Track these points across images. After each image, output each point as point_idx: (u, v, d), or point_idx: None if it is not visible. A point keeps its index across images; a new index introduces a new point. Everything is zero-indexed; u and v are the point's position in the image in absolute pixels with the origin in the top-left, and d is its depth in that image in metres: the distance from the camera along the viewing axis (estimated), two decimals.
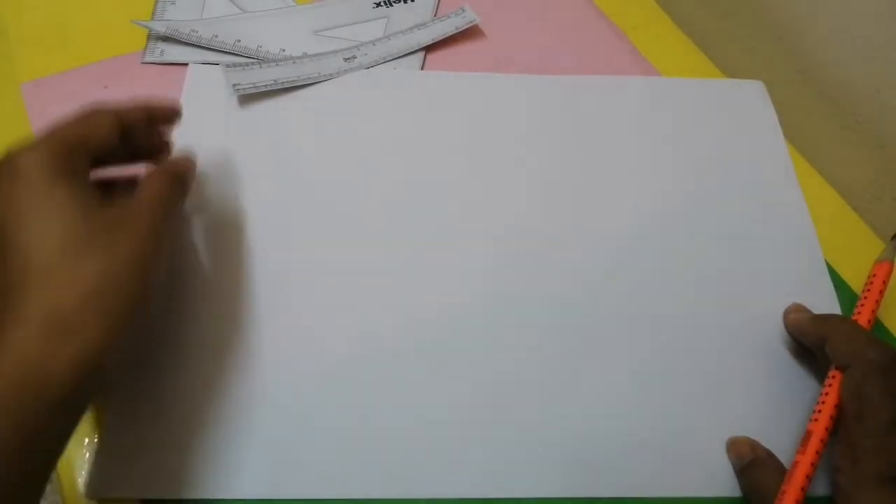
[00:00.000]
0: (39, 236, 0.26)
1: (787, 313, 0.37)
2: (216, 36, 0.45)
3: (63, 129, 0.29)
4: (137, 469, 0.31)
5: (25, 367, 0.24)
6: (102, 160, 0.31)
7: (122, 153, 0.32)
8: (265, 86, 0.42)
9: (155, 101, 0.33)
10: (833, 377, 0.32)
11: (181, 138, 0.39)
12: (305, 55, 0.45)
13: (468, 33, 0.48)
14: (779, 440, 0.33)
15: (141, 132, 0.32)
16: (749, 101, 0.46)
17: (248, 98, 0.43)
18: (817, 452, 0.30)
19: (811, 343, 0.35)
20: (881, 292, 0.36)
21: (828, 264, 0.40)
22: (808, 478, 0.30)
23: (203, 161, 0.37)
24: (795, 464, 0.30)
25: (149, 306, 0.29)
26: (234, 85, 0.41)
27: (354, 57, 0.45)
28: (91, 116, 0.30)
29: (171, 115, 0.35)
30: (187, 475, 0.31)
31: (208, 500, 0.31)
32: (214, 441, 0.32)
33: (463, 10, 0.48)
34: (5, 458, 0.23)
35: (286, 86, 0.43)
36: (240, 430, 0.33)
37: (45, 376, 0.24)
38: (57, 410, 0.25)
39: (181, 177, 0.33)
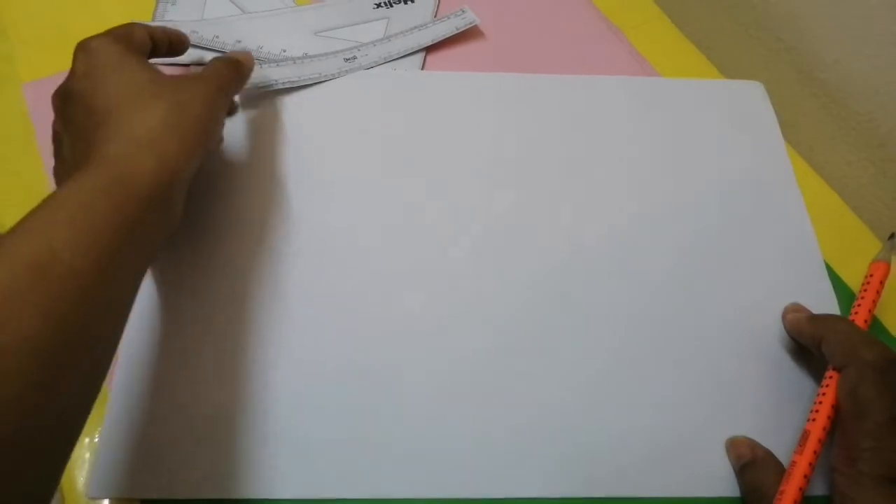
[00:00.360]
0: (119, 85, 0.31)
1: (785, 313, 0.37)
2: (217, 36, 0.45)
3: (108, 30, 0.34)
4: (137, 469, 0.31)
5: (119, 170, 0.28)
6: None
7: None
8: (266, 87, 0.42)
9: (173, 30, 0.39)
10: (830, 377, 0.32)
11: None
12: (306, 56, 0.45)
13: (468, 34, 0.48)
14: (778, 440, 0.33)
15: (162, 52, 0.38)
16: (749, 101, 0.46)
17: (248, 99, 0.43)
18: (815, 452, 0.30)
19: (808, 343, 0.35)
20: (878, 292, 0.36)
21: (827, 264, 0.40)
22: (807, 478, 0.30)
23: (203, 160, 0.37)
24: (793, 464, 0.30)
25: (211, 144, 0.34)
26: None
27: (355, 57, 0.45)
28: (128, 24, 0.36)
29: (184, 43, 0.40)
30: (187, 475, 0.32)
31: (209, 500, 0.31)
32: (215, 441, 0.32)
33: (463, 11, 0.48)
34: (105, 241, 0.26)
35: (287, 86, 0.43)
36: (240, 430, 0.33)
37: (133, 176, 0.28)
38: (143, 205, 0.28)
39: (240, 63, 0.38)
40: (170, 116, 0.31)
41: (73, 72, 0.33)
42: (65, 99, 0.32)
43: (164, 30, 0.38)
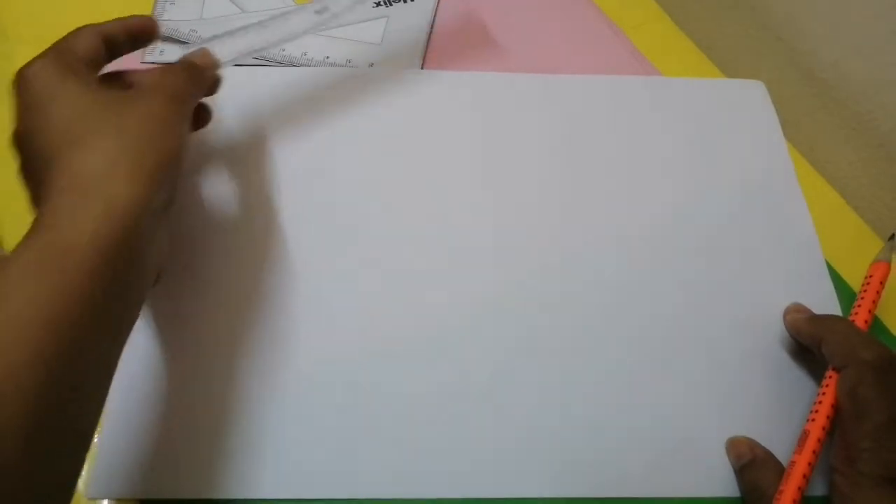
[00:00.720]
0: (60, 119, 0.28)
1: (786, 313, 0.37)
2: (216, 36, 0.45)
3: (52, 45, 0.31)
4: (136, 469, 0.31)
5: (55, 235, 0.25)
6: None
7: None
8: (241, 56, 0.38)
9: (133, 18, 0.34)
10: (829, 378, 0.32)
11: None
12: (271, 18, 0.39)
13: (469, 33, 0.48)
14: (777, 440, 0.34)
15: (126, 48, 0.34)
16: (749, 101, 0.46)
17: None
18: (814, 452, 0.30)
19: (808, 343, 0.35)
20: (878, 292, 0.36)
21: (828, 264, 0.40)
22: (806, 478, 0.30)
23: (204, 161, 0.37)
24: (792, 464, 0.30)
25: (177, 168, 0.30)
26: None
27: (326, 7, 0.39)
28: (75, 31, 0.32)
29: (149, 31, 0.35)
30: (187, 475, 0.32)
31: (208, 500, 0.31)
32: (214, 442, 0.32)
33: None
34: (52, 338, 0.23)
35: (260, 53, 0.39)
36: (240, 430, 0.33)
37: (74, 239, 0.25)
38: (95, 273, 0.24)
39: (194, 66, 0.34)
40: (115, 149, 0.27)
41: (16, 109, 0.29)
42: (16, 144, 0.29)
43: (121, 24, 0.33)
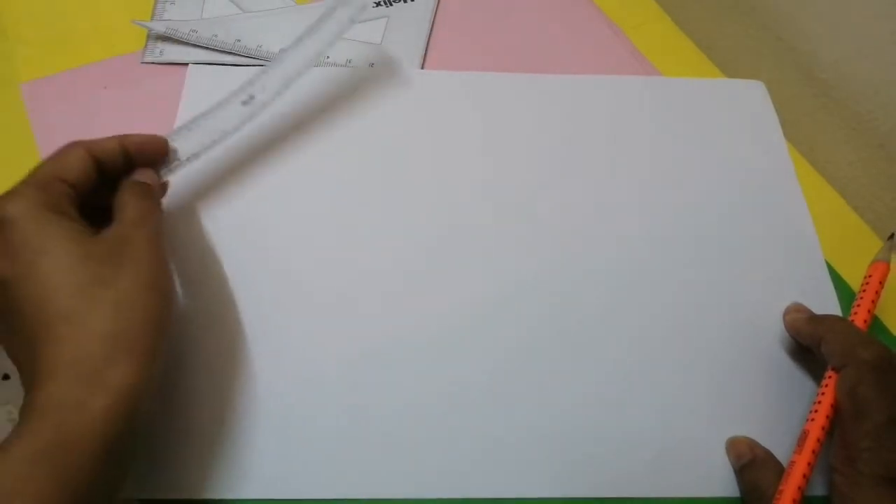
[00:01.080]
0: (45, 285, 0.26)
1: (785, 313, 0.37)
2: (216, 36, 0.45)
3: (36, 170, 0.29)
4: (137, 469, 0.31)
5: (60, 414, 0.24)
6: (93, 201, 0.31)
7: (108, 190, 0.32)
8: (174, 167, 0.36)
9: (132, 137, 0.33)
10: (829, 377, 0.32)
11: None
12: (202, 115, 0.37)
13: (469, 33, 0.48)
14: (777, 440, 0.33)
15: (119, 165, 0.32)
16: (750, 100, 0.46)
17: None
18: (814, 452, 0.30)
19: (808, 343, 0.35)
20: (877, 292, 0.36)
21: (828, 264, 0.40)
22: (805, 478, 0.30)
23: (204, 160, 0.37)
24: (792, 464, 0.30)
25: (172, 297, 0.29)
26: None
27: (252, 96, 0.37)
28: (63, 152, 0.30)
29: (157, 150, 0.34)
30: (187, 475, 0.31)
31: (208, 500, 0.31)
32: (214, 441, 0.32)
33: None
34: None
35: (193, 160, 0.36)
36: (240, 430, 0.33)
37: (80, 431, 0.24)
38: (98, 461, 0.24)
39: (147, 188, 0.32)
40: (113, 329, 0.26)
41: None
42: None
43: (119, 141, 0.32)
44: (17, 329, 0.26)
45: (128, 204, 0.30)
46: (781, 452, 0.33)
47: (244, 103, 0.37)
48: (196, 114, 0.37)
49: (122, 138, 0.32)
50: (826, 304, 0.38)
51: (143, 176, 0.33)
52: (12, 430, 0.24)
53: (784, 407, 0.35)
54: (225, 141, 0.36)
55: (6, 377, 0.33)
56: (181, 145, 0.35)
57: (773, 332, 0.37)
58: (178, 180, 0.37)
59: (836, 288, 0.39)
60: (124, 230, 0.29)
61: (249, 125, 0.37)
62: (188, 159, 0.36)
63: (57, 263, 0.26)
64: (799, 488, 0.29)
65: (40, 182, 0.29)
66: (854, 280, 0.39)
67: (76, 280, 0.26)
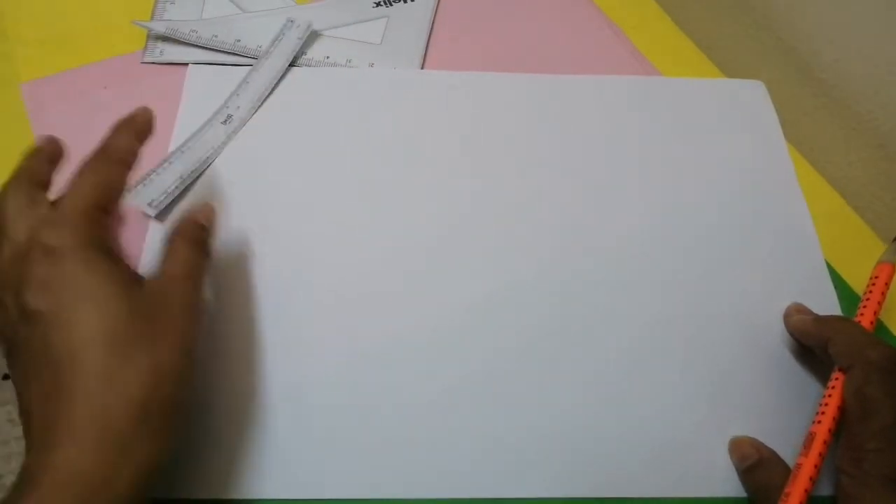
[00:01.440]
0: (82, 333, 0.24)
1: (787, 314, 0.37)
2: (216, 36, 0.45)
3: (77, 195, 0.28)
4: None
5: (84, 488, 0.23)
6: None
7: None
8: (175, 187, 0.38)
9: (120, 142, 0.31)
10: (836, 379, 0.32)
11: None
12: (186, 140, 0.40)
13: (469, 33, 0.48)
14: (777, 439, 0.33)
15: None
16: (750, 100, 0.46)
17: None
18: (820, 455, 0.30)
19: (814, 344, 0.35)
20: (883, 294, 0.35)
21: (828, 264, 0.40)
22: (812, 480, 0.30)
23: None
24: (798, 466, 0.30)
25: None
26: (149, 204, 0.37)
27: (230, 116, 0.41)
28: (92, 175, 0.29)
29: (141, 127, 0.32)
30: (187, 475, 0.31)
31: (208, 499, 0.31)
32: (214, 441, 0.32)
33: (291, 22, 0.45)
34: None
35: (193, 176, 0.39)
36: (240, 430, 0.33)
37: (104, 495, 0.23)
38: None
39: (205, 241, 0.31)
40: (148, 400, 0.24)
41: (25, 275, 0.25)
42: (13, 319, 0.25)
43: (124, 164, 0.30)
44: (36, 374, 0.24)
45: (178, 253, 0.29)
46: (783, 454, 0.33)
47: (224, 123, 0.41)
48: (190, 129, 0.40)
49: (122, 156, 0.30)
50: (826, 304, 0.38)
51: (202, 214, 0.31)
52: (14, 485, 0.23)
53: (783, 406, 0.35)
54: (215, 157, 0.40)
55: (6, 377, 0.33)
56: (179, 166, 0.39)
57: (773, 331, 0.37)
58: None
59: (836, 288, 0.39)
60: (170, 286, 0.28)
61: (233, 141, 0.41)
62: (185, 178, 0.38)
63: (99, 313, 0.25)
64: (805, 491, 0.29)
65: (87, 212, 0.27)
66: (854, 280, 0.39)
67: (116, 335, 0.25)
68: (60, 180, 0.30)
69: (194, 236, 0.30)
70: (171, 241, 0.30)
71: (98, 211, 0.28)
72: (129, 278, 0.27)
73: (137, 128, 0.32)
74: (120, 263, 0.27)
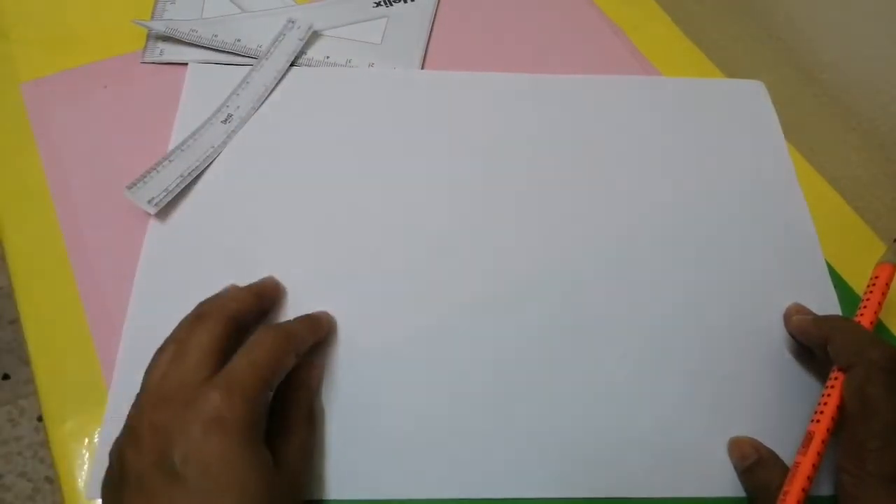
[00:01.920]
0: None
1: (788, 314, 0.37)
2: (216, 35, 0.45)
3: (256, 364, 0.28)
4: None
5: None
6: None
7: None
8: (176, 185, 0.39)
9: (263, 287, 0.34)
10: (835, 378, 0.32)
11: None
12: (186, 139, 0.40)
13: (469, 33, 0.48)
14: (776, 439, 0.33)
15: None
16: (750, 100, 0.46)
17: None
18: (819, 454, 0.30)
19: (814, 344, 0.35)
20: (884, 294, 0.35)
21: (828, 264, 0.40)
22: (810, 479, 0.30)
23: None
24: (796, 465, 0.30)
25: None
26: (149, 201, 0.37)
27: (230, 115, 0.42)
28: (274, 347, 0.29)
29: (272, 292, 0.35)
30: None
31: None
32: None
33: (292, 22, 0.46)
34: None
35: (193, 174, 0.39)
36: None
37: None
38: None
39: (314, 392, 0.33)
40: None
41: (185, 427, 0.26)
42: (145, 453, 0.26)
43: (257, 298, 0.33)
44: None
45: (300, 432, 0.30)
46: (780, 451, 0.33)
47: (224, 122, 0.41)
48: (190, 128, 0.40)
49: (257, 292, 0.33)
50: (826, 304, 0.38)
51: (313, 377, 0.33)
52: None
53: (783, 406, 0.35)
54: (216, 156, 0.40)
55: (6, 377, 0.33)
56: (180, 164, 0.39)
57: (773, 331, 0.37)
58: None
59: (836, 288, 0.39)
60: (294, 468, 0.29)
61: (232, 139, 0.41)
62: (185, 176, 0.39)
63: (242, 500, 0.25)
64: (803, 489, 0.29)
65: (258, 387, 0.28)
66: (854, 280, 0.39)
67: None
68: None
69: (309, 408, 0.32)
70: (293, 416, 0.31)
71: (267, 388, 0.28)
72: (271, 463, 0.27)
73: (317, 329, 0.33)
74: (266, 448, 0.27)
